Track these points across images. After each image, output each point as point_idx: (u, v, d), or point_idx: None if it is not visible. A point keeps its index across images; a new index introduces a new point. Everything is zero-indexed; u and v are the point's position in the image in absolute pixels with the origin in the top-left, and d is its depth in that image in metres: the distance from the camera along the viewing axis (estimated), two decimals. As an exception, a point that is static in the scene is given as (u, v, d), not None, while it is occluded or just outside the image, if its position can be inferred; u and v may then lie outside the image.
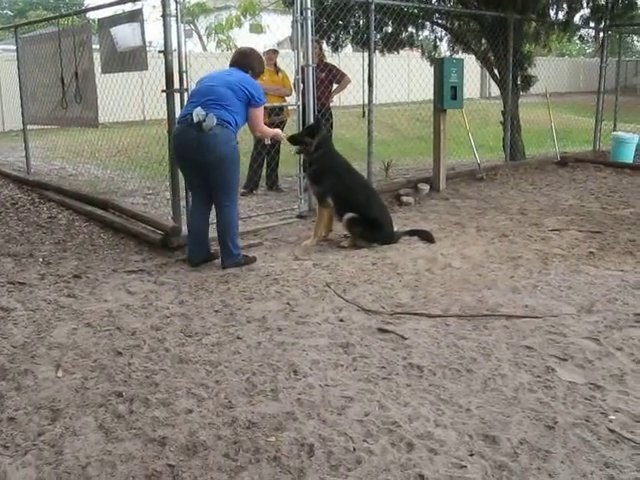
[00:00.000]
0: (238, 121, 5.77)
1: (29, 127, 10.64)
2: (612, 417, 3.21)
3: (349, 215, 6.46)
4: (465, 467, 2.82)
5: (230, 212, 5.89)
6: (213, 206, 5.97)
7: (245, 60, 6.05)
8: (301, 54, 7.62)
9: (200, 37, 36.80)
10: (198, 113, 5.52)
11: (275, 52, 9.66)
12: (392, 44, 11.57)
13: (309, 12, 7.44)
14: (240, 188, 9.56)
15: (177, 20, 6.36)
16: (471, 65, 12.76)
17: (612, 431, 3.08)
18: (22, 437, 3.13)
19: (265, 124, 9.02)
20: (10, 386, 3.66)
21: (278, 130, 6.65)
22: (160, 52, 6.40)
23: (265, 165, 9.84)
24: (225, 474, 2.81)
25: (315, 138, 6.59)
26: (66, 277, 5.72)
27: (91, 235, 7.15)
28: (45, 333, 4.43)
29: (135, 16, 6.85)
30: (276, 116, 9.19)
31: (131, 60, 6.99)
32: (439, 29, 12.60)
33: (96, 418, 3.29)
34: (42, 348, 4.17)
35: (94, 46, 8.21)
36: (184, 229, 6.42)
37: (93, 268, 5.99)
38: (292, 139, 6.79)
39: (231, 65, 6.07)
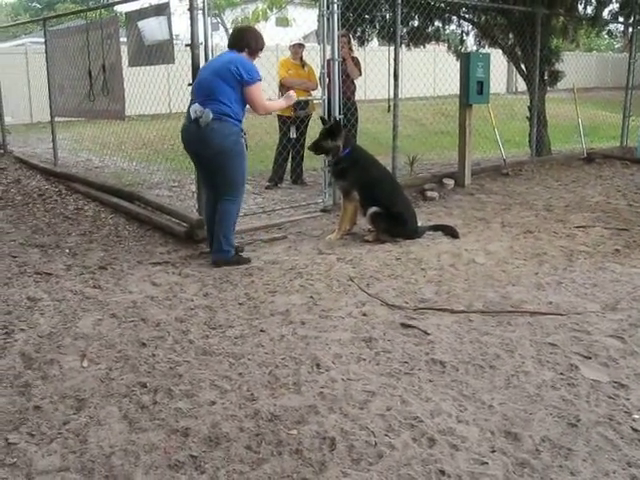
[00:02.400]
0: (237, 109, 5.64)
1: (57, 119, 10.72)
2: (636, 416, 3.19)
3: (373, 209, 6.44)
4: (486, 464, 2.82)
5: (228, 206, 5.79)
6: None
7: (239, 37, 5.83)
8: (327, 48, 7.61)
9: (227, 30, 36.83)
10: (196, 110, 5.58)
11: (301, 46, 9.64)
12: (418, 38, 11.50)
13: (335, 6, 7.42)
14: (265, 181, 9.66)
15: (204, 13, 6.39)
16: (498, 60, 12.64)
17: (635, 430, 3.06)
18: (47, 425, 3.17)
19: (289, 118, 9.13)
20: (36, 375, 3.71)
21: (289, 96, 6.24)
22: (187, 46, 6.43)
23: (290, 159, 9.85)
24: (247, 466, 2.83)
25: (339, 139, 6.54)
26: (92, 268, 5.78)
27: (117, 227, 7.22)
28: (71, 323, 4.48)
29: (162, 9, 6.90)
30: (302, 110, 9.19)
31: (158, 53, 7.03)
32: (466, 23, 12.51)
33: (120, 408, 3.33)
34: (68, 338, 4.22)
35: (122, 39, 8.26)
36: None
37: (119, 259, 6.05)
38: (318, 148, 6.70)
39: (228, 48, 5.86)
